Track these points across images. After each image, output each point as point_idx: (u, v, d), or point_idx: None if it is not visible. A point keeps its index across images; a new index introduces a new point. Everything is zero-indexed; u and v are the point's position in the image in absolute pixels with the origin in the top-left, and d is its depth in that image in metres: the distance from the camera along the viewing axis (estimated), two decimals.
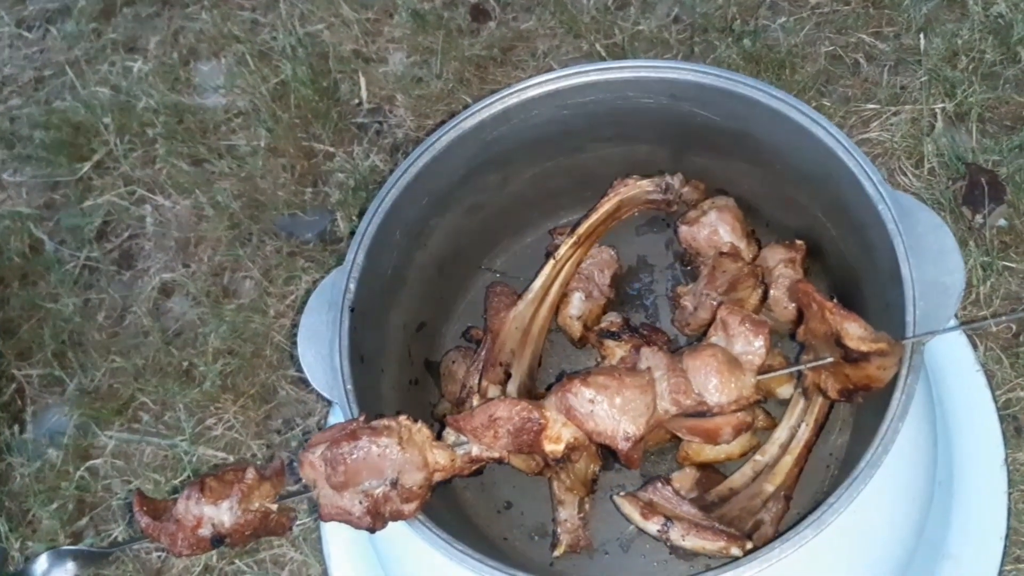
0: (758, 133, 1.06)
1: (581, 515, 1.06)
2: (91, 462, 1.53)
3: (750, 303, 1.08)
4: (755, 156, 1.10)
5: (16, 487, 1.53)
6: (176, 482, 1.47)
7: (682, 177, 1.17)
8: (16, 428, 1.58)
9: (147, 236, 1.72)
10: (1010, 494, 1.21)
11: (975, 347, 1.34)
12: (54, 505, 1.50)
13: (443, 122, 1.70)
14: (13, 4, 2.03)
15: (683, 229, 1.16)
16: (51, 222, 1.76)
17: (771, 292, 1.10)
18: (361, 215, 1.63)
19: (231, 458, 1.48)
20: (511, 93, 1.08)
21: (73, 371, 1.61)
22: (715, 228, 1.14)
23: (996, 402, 1.27)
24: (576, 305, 1.15)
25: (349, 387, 0.97)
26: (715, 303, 1.07)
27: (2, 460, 1.55)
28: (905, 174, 1.50)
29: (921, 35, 1.58)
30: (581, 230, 1.16)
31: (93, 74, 1.88)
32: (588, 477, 1.08)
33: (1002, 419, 1.26)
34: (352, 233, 1.61)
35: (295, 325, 1.58)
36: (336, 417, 1.28)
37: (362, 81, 1.73)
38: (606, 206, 1.17)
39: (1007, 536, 1.19)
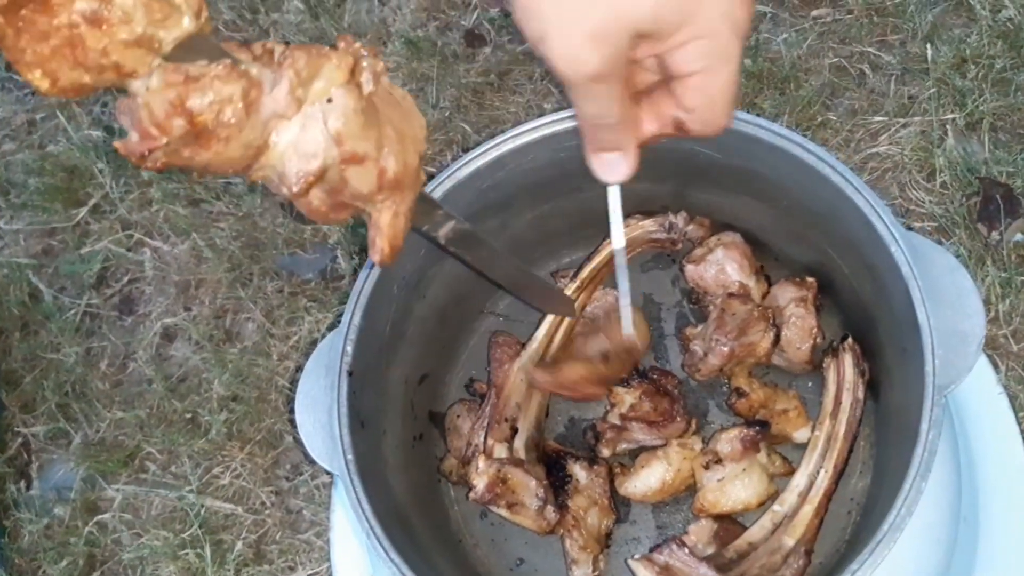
0: (762, 170, 1.02)
1: (596, 573, 1.03)
2: (99, 516, 1.51)
3: (762, 347, 1.04)
4: (761, 192, 1.06)
5: (25, 544, 1.52)
6: (185, 535, 1.45)
7: (686, 215, 1.14)
8: (23, 484, 1.56)
9: (147, 280, 1.70)
10: None
11: (996, 368, 1.30)
12: (64, 562, 1.48)
13: (441, 152, 1.68)
14: None
15: (689, 268, 1.12)
16: (49, 269, 1.74)
17: (783, 333, 1.06)
18: (362, 251, 1.61)
19: (239, 509, 1.46)
20: (505, 139, 1.05)
21: (78, 423, 1.58)
22: (722, 266, 1.10)
23: (1020, 425, 1.23)
24: None
25: (350, 457, 0.93)
26: (725, 348, 1.03)
27: (9, 517, 1.53)
28: (917, 189, 1.46)
29: (927, 44, 1.54)
30: (584, 274, 1.13)
31: (86, 116, 1.85)
32: (601, 533, 1.05)
33: None
34: (355, 271, 1.58)
35: (299, 368, 1.55)
36: (339, 491, 1.25)
37: None
38: (608, 249, 1.14)
39: None
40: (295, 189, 0.66)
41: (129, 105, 0.60)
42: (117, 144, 0.61)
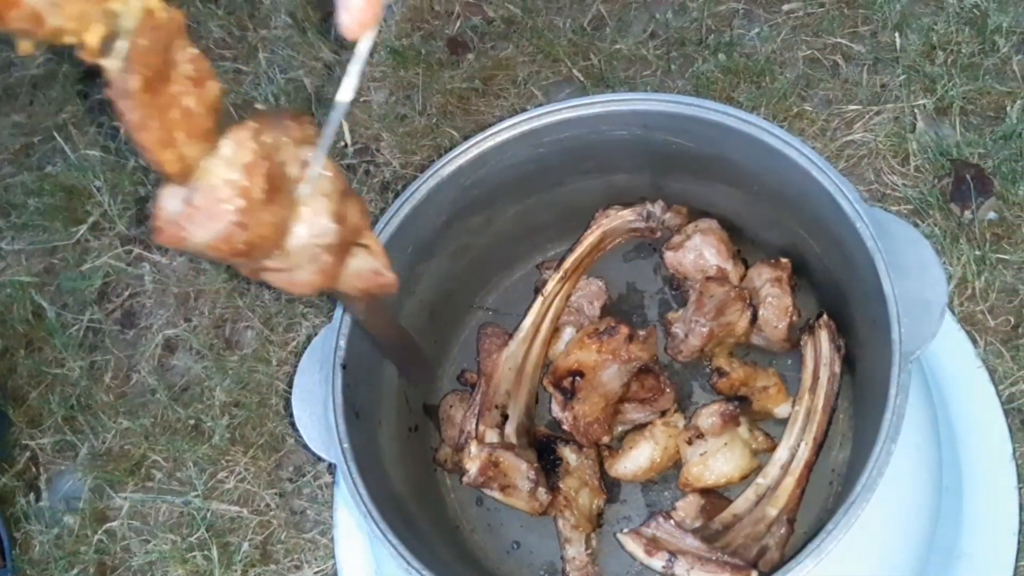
0: (733, 156, 1.06)
1: (589, 551, 1.06)
2: (108, 524, 1.54)
3: (740, 326, 1.08)
4: (733, 179, 1.10)
5: (36, 555, 1.55)
6: (192, 539, 1.48)
7: (663, 204, 1.18)
8: (32, 496, 1.59)
9: (147, 294, 1.73)
10: (1020, 489, 1.21)
11: (975, 343, 1.34)
12: (75, 571, 1.52)
13: (429, 158, 1.72)
14: None
15: (669, 255, 1.16)
16: (52, 287, 1.78)
17: (760, 312, 1.10)
18: None
19: (244, 511, 1.49)
20: (485, 137, 1.09)
21: (84, 435, 1.62)
22: (700, 252, 1.14)
23: (1000, 397, 1.27)
24: (567, 340, 1.15)
25: (346, 445, 0.97)
26: (704, 329, 1.07)
27: (20, 529, 1.57)
28: (892, 173, 1.50)
29: (897, 33, 1.58)
30: (567, 264, 1.17)
31: (82, 137, 1.89)
32: (593, 512, 1.08)
33: (1007, 413, 1.26)
34: None
35: None
36: (340, 488, 1.28)
37: (344, 126, 1.74)
38: (590, 239, 1.18)
39: (1020, 532, 1.19)
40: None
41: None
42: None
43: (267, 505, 1.51)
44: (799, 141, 0.99)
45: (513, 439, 1.08)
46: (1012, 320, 1.37)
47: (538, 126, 1.09)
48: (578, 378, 1.06)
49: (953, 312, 1.36)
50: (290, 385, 1.57)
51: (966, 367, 1.30)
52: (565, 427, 1.07)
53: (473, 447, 1.03)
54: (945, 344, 1.31)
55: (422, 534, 1.05)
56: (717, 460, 1.03)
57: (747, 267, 1.16)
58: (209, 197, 0.63)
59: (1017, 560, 1.19)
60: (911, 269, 0.92)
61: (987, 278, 1.38)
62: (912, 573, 1.04)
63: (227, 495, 1.52)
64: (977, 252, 1.39)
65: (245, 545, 1.47)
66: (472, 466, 1.02)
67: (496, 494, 1.04)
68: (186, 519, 1.52)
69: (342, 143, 1.76)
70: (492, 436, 1.06)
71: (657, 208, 1.17)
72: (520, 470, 1.03)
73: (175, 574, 1.48)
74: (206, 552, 1.47)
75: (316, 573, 1.44)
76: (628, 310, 1.23)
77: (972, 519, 1.22)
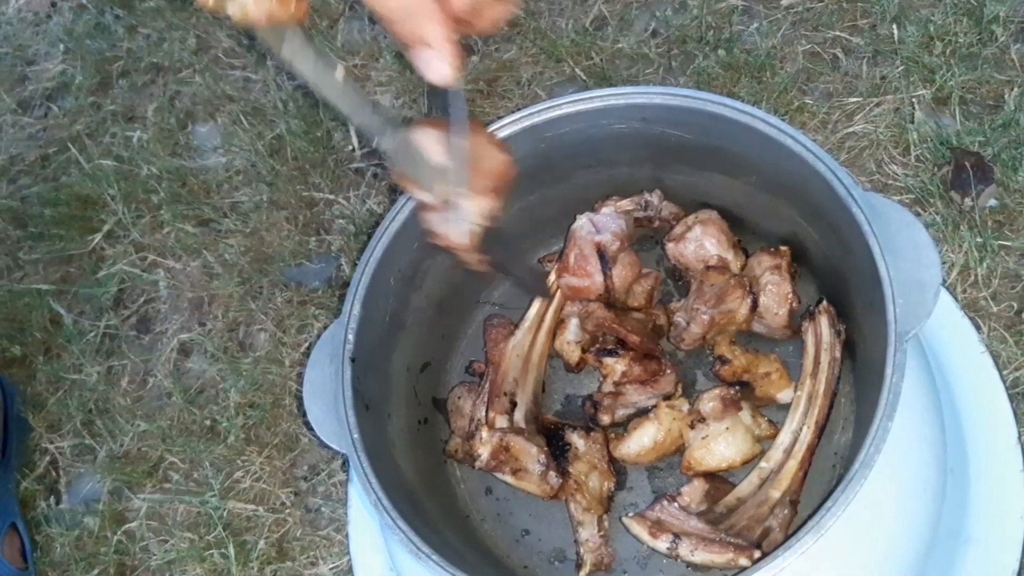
0: (730, 147, 1.08)
1: (602, 533, 1.08)
2: (127, 526, 1.57)
3: (740, 313, 1.10)
4: (731, 169, 1.12)
5: (57, 557, 1.58)
6: (209, 538, 1.51)
7: (660, 193, 1.20)
8: (52, 500, 1.62)
9: (162, 299, 1.77)
10: None
11: (978, 329, 1.35)
12: (95, 571, 1.54)
13: None
14: (13, 86, 2.10)
15: (670, 246, 1.18)
16: (68, 295, 1.81)
17: (761, 300, 1.12)
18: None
19: (260, 510, 1.52)
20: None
21: (102, 438, 1.65)
22: (701, 242, 1.16)
23: (1004, 382, 1.28)
24: (573, 331, 1.17)
25: (356, 436, 1.00)
26: (706, 317, 1.09)
27: (40, 532, 1.60)
28: (893, 163, 1.51)
29: (895, 25, 1.60)
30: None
31: (96, 147, 1.93)
32: (604, 495, 1.10)
33: (1012, 398, 1.27)
34: None
35: None
36: (354, 484, 1.31)
37: (352, 130, 1.77)
38: None
39: None
40: None
41: None
42: None
43: (282, 503, 1.53)
44: (794, 129, 1.01)
45: (522, 425, 1.10)
46: (1015, 306, 1.38)
47: (539, 121, 1.11)
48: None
49: (956, 299, 1.37)
50: (303, 384, 1.60)
51: (970, 353, 1.31)
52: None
53: (484, 432, 1.06)
54: (949, 330, 1.32)
55: (432, 523, 1.07)
56: (719, 444, 1.05)
57: (747, 256, 1.18)
58: None
59: None
60: (906, 251, 0.93)
61: (989, 265, 1.40)
62: (919, 556, 1.06)
63: (243, 494, 1.54)
64: (979, 239, 1.40)
65: (261, 543, 1.49)
66: (484, 451, 1.05)
67: (508, 478, 1.06)
68: (203, 519, 1.54)
69: (350, 147, 1.79)
70: (502, 422, 1.08)
71: (655, 197, 1.19)
72: (531, 454, 1.06)
73: (193, 573, 1.51)
74: (223, 550, 1.49)
75: (331, 569, 1.46)
76: None
77: (978, 503, 1.23)
